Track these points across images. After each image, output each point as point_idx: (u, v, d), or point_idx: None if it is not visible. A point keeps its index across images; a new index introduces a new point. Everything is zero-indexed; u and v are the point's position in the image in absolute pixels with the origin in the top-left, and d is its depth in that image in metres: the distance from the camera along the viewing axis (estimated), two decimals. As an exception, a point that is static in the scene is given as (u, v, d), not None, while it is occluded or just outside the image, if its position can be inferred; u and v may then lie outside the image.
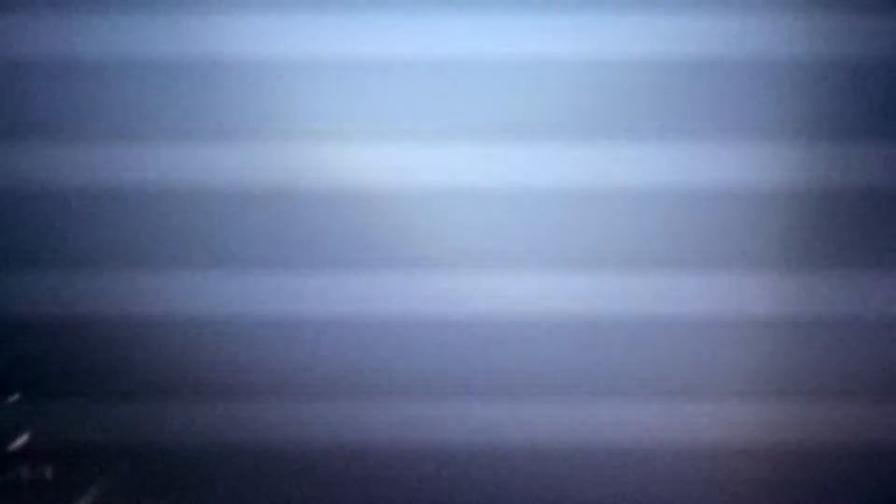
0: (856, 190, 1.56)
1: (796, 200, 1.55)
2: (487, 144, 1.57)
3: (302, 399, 1.59)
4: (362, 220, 1.58)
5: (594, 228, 1.57)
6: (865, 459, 1.57)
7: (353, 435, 1.59)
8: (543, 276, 1.58)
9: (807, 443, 1.57)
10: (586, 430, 1.58)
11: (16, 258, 1.59)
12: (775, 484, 1.58)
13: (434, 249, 1.58)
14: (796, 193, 1.55)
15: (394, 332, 1.59)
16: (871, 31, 1.54)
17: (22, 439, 1.59)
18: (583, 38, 1.55)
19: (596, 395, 1.58)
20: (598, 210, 1.57)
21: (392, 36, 1.56)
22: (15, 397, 1.58)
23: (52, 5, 1.57)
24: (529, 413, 1.59)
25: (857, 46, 1.54)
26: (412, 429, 1.59)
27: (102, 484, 1.59)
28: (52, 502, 1.59)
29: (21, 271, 1.58)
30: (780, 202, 1.55)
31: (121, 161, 1.58)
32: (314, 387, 1.59)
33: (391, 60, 1.56)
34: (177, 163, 1.57)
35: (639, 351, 1.57)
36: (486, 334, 1.58)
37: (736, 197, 1.55)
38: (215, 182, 1.57)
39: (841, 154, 1.55)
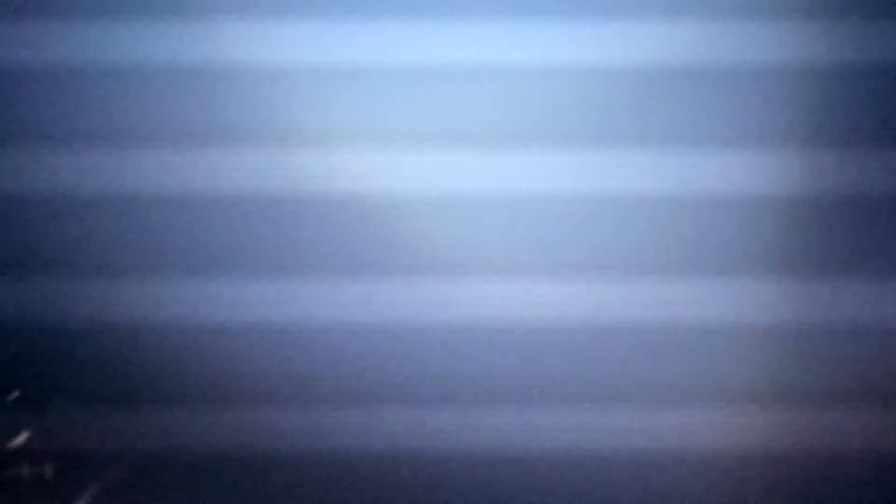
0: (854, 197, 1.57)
1: (792, 206, 1.56)
2: (487, 151, 1.58)
3: (303, 405, 1.60)
4: (363, 226, 1.58)
5: (594, 235, 1.58)
6: (867, 465, 1.57)
7: (353, 442, 1.59)
8: (545, 283, 1.58)
9: (807, 448, 1.57)
10: (588, 436, 1.58)
11: (14, 262, 1.59)
12: (777, 490, 1.58)
13: (434, 255, 1.59)
14: (791, 200, 1.56)
15: (395, 339, 1.59)
16: (869, 37, 1.55)
17: (22, 439, 1.59)
18: (582, 45, 1.56)
19: (597, 402, 1.58)
20: (599, 217, 1.57)
21: (393, 43, 1.57)
22: (15, 394, 1.58)
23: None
24: (530, 419, 1.59)
25: (856, 53, 1.55)
26: (415, 436, 1.59)
27: (102, 484, 1.59)
28: (52, 502, 1.59)
29: (20, 275, 1.59)
30: (776, 208, 1.56)
31: (117, 167, 1.59)
32: (315, 393, 1.60)
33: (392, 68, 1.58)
34: (174, 168, 1.58)
35: (639, 357, 1.58)
36: (489, 341, 1.58)
37: (734, 204, 1.56)
38: (211, 187, 1.58)
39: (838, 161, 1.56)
